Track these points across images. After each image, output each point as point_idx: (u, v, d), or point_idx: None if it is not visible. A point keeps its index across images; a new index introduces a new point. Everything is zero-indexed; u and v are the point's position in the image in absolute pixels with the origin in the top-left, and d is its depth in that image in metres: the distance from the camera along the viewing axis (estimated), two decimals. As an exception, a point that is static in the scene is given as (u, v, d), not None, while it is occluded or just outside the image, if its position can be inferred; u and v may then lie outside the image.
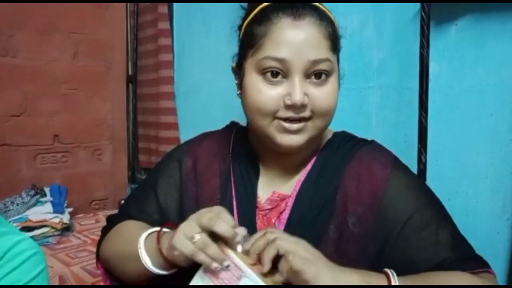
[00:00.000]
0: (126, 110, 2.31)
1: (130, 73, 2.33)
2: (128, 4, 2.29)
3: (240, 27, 0.70)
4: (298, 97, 0.61)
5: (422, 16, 1.00)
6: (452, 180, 1.07)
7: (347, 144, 0.73)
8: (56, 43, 2.02)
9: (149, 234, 0.66)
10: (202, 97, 1.92)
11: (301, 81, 0.62)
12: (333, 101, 0.65)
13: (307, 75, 0.63)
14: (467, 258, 0.66)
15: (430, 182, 1.03)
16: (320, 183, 0.69)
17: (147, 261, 0.63)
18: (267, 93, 0.63)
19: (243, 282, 0.55)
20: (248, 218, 0.69)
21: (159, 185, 0.77)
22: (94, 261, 0.83)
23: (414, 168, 1.01)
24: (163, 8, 2.03)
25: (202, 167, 0.76)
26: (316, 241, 0.64)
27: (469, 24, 1.02)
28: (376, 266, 0.62)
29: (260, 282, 0.54)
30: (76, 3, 2.06)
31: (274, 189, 0.71)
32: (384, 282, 0.58)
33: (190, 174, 0.76)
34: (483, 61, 1.00)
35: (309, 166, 0.72)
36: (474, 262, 0.66)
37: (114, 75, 2.24)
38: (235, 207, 0.70)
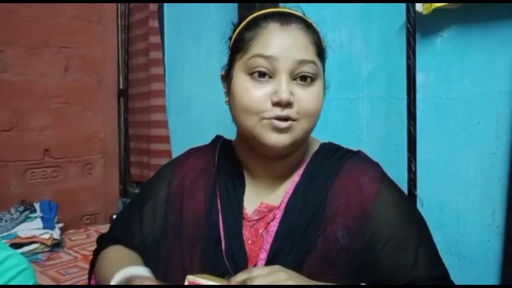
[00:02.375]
0: (117, 124, 2.31)
1: (121, 87, 2.34)
2: (119, 18, 2.31)
3: (230, 38, 0.72)
4: (284, 95, 0.62)
5: (408, 28, 1.02)
6: (442, 188, 1.08)
7: (334, 155, 0.73)
8: (47, 58, 2.02)
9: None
10: (194, 110, 1.92)
11: (287, 81, 0.64)
12: (318, 103, 0.66)
13: (293, 77, 0.64)
14: (439, 279, 0.67)
15: (421, 191, 1.04)
16: (308, 196, 0.69)
17: None
18: (254, 93, 0.64)
19: None
20: (233, 231, 0.69)
21: (145, 207, 0.78)
22: (85, 277, 0.83)
23: (404, 177, 1.02)
24: (153, 22, 2.05)
25: (188, 183, 0.76)
26: (304, 253, 0.65)
27: (454, 35, 1.04)
28: (361, 278, 0.62)
29: None
30: (67, 19, 2.06)
31: (262, 199, 0.71)
32: None
33: (176, 191, 0.76)
34: (468, 71, 1.02)
35: (296, 178, 0.72)
36: (444, 283, 0.67)
37: (105, 89, 2.24)
38: (220, 220, 0.70)
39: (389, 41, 1.18)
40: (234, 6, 1.48)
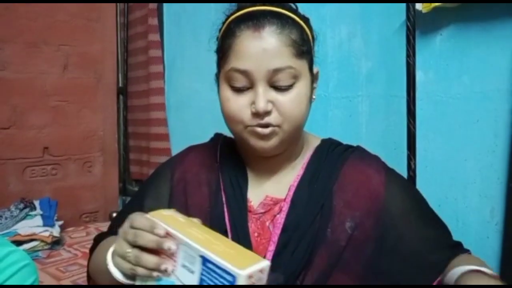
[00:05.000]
0: (116, 122, 2.31)
1: (120, 84, 2.34)
2: (118, 16, 2.30)
3: (217, 38, 0.73)
4: (261, 105, 0.63)
5: (408, 26, 1.03)
6: (441, 186, 1.08)
7: (335, 150, 0.75)
8: (46, 55, 2.02)
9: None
10: (193, 108, 1.92)
11: (264, 90, 0.64)
12: (299, 105, 0.66)
13: (270, 84, 0.65)
14: (458, 245, 0.74)
15: (420, 188, 1.04)
16: (314, 189, 0.70)
17: (117, 274, 0.61)
18: (235, 102, 0.66)
19: (181, 250, 0.52)
20: (239, 223, 0.70)
21: (145, 203, 0.78)
22: (85, 275, 0.83)
23: (404, 175, 1.03)
24: (153, 20, 2.05)
25: (190, 177, 0.77)
26: (313, 245, 0.66)
27: (453, 33, 1.05)
28: (372, 267, 0.63)
29: (195, 246, 0.51)
30: (65, 17, 2.06)
31: (267, 193, 0.73)
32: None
33: (178, 185, 0.77)
34: (468, 70, 1.02)
35: (300, 171, 0.73)
36: (462, 247, 0.74)
37: (105, 87, 2.23)
38: (226, 213, 0.71)
39: (389, 39, 1.18)
40: (233, 5, 1.48)
